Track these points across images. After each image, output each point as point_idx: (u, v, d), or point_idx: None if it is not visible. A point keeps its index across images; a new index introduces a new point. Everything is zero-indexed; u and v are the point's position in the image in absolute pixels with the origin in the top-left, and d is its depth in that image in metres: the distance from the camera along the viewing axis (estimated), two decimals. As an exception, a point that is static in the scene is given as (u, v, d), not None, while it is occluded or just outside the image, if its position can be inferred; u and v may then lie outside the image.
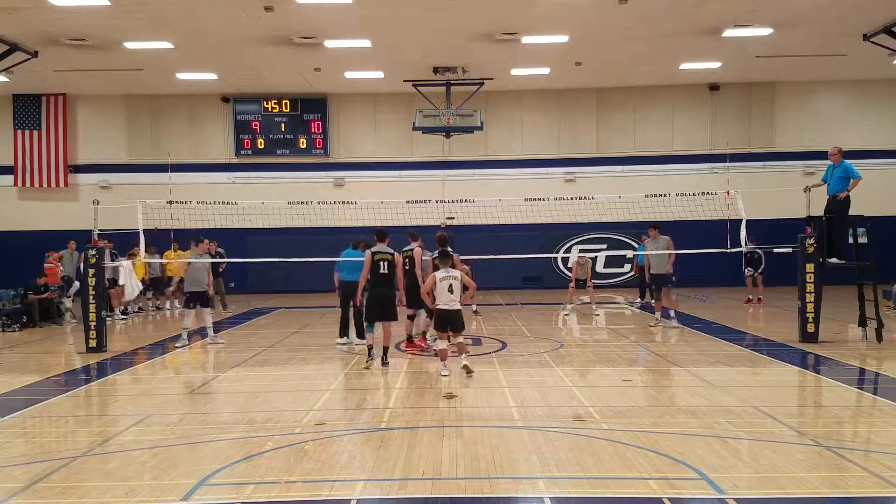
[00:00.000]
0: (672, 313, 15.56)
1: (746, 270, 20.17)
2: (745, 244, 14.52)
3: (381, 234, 11.67)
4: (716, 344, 13.38)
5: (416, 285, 11.76)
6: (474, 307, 17.81)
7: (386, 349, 11.44)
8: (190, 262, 14.16)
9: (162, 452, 7.06)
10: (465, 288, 11.01)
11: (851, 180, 12.96)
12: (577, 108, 26.03)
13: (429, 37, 19.08)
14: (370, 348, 11.42)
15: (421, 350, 12.72)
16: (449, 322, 10.54)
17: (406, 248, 12.70)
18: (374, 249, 11.40)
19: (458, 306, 10.61)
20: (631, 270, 25.21)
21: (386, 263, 11.31)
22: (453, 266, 10.98)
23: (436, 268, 10.90)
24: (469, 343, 11.86)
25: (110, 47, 19.66)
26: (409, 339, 13.01)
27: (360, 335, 12.99)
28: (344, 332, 13.78)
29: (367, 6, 16.77)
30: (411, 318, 12.99)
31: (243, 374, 11.32)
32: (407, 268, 12.31)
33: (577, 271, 18.87)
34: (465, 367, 10.51)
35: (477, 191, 23.73)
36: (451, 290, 10.48)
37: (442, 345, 10.69)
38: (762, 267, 20.16)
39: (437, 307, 10.64)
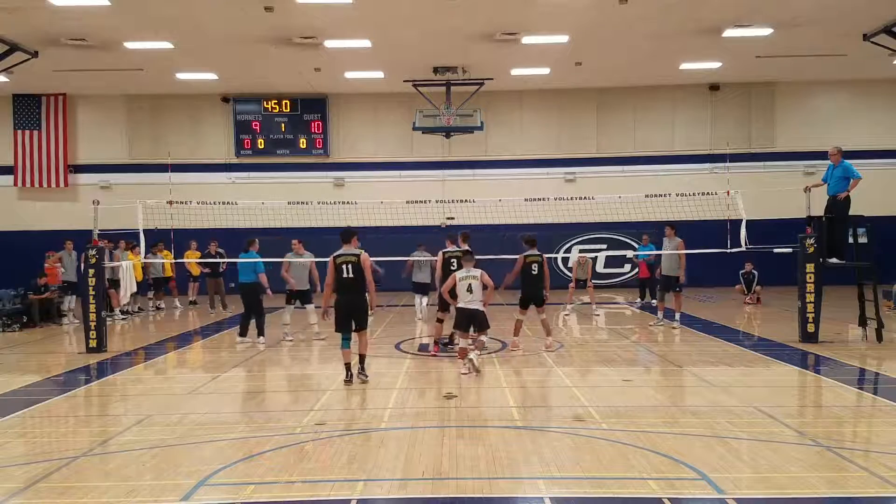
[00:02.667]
0: (677, 315, 15.55)
1: (744, 293, 20.52)
2: (746, 244, 14.53)
3: (345, 234, 10.35)
4: (716, 344, 13.39)
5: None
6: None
7: (363, 358, 10.28)
8: (290, 262, 14.63)
9: (162, 452, 7.06)
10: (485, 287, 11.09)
11: (851, 180, 12.96)
12: (577, 108, 26.02)
13: (429, 37, 19.07)
14: (347, 365, 10.19)
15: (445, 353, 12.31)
16: (471, 321, 10.83)
17: (447, 250, 12.89)
18: (336, 252, 10.19)
19: (479, 306, 10.86)
20: (631, 270, 25.26)
21: (350, 267, 10.05)
22: (475, 266, 11.19)
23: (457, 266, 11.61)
24: (470, 343, 11.80)
25: (110, 47, 19.66)
26: (437, 344, 12.69)
27: (260, 333, 14.16)
28: (244, 331, 14.22)
29: (367, 6, 16.76)
30: (441, 321, 12.64)
31: (243, 374, 11.32)
32: (454, 268, 12.24)
33: (577, 271, 18.87)
34: (472, 362, 10.60)
35: (477, 191, 23.73)
36: (469, 289, 10.78)
37: (463, 343, 10.91)
38: (756, 282, 20.30)
39: (458, 306, 10.96)
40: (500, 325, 16.22)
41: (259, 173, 25.96)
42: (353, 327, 10.14)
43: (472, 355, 10.70)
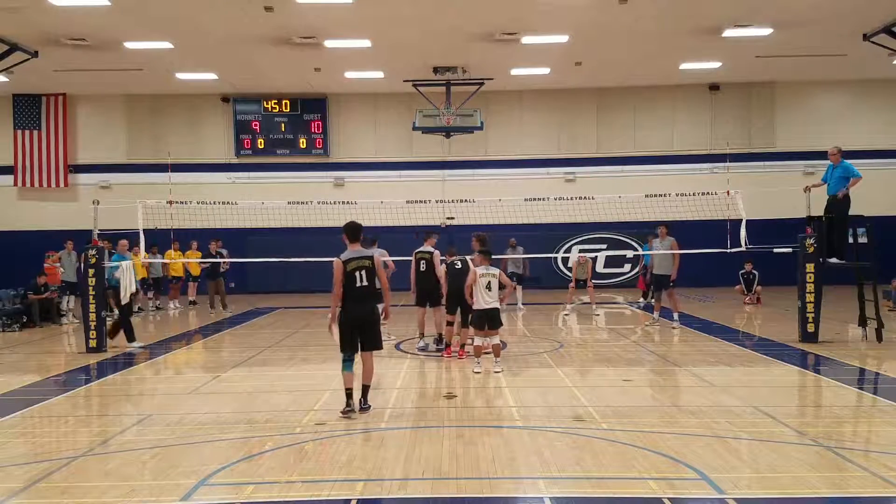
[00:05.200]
0: (675, 315, 15.56)
1: (743, 293, 20.55)
2: (746, 244, 14.53)
3: (353, 231, 8.58)
4: (716, 344, 13.39)
5: (457, 290, 11.55)
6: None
7: (366, 388, 8.61)
8: None
9: (162, 452, 7.06)
10: (501, 286, 11.21)
11: (851, 179, 12.96)
12: (577, 108, 26.02)
13: (429, 37, 19.08)
14: (349, 392, 8.42)
15: (459, 356, 11.99)
16: (487, 320, 10.89)
17: (421, 250, 12.89)
18: (345, 257, 8.38)
19: (496, 304, 10.91)
20: (631, 270, 25.32)
21: (364, 273, 8.34)
22: (493, 264, 11.27)
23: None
24: (470, 342, 11.85)
25: (110, 47, 19.67)
26: (448, 346, 12.37)
27: (129, 338, 13.81)
28: (130, 336, 13.94)
29: (367, 6, 16.77)
30: (451, 324, 12.34)
31: (243, 374, 11.31)
32: (457, 266, 12.04)
33: (577, 271, 18.87)
34: (497, 373, 10.72)
35: (477, 191, 23.71)
36: (489, 287, 10.83)
37: (478, 341, 11.03)
38: (756, 282, 20.31)
39: (475, 307, 10.94)
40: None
41: (259, 173, 25.97)
42: (360, 347, 8.51)
43: (496, 369, 10.79)
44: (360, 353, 8.53)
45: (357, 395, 8.53)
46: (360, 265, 8.34)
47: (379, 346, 8.67)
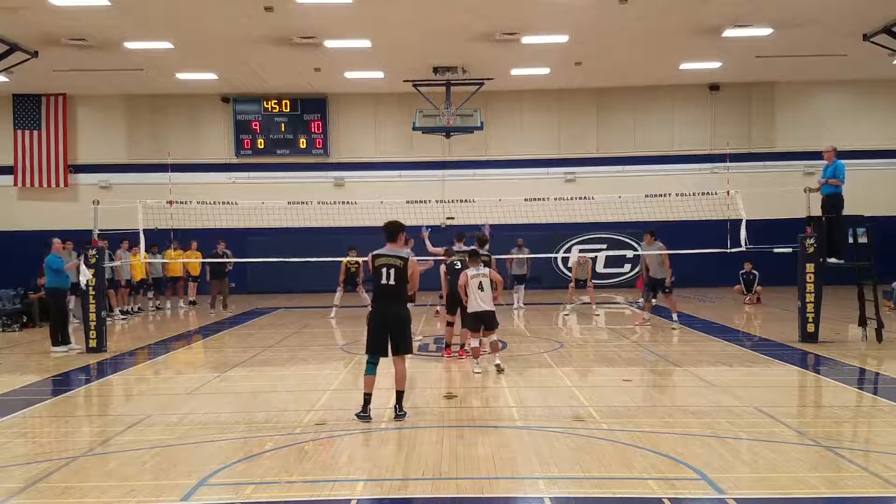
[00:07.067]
0: (674, 316, 15.57)
1: (742, 294, 20.61)
2: (745, 244, 14.53)
3: (389, 230, 8.43)
4: (716, 344, 13.39)
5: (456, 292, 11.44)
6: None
7: (400, 394, 8.33)
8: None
9: (162, 452, 7.06)
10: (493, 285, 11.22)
11: (834, 178, 13.00)
12: (577, 108, 26.02)
13: (429, 37, 19.07)
14: (367, 397, 8.20)
15: (459, 356, 11.93)
16: (482, 321, 10.96)
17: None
18: (376, 252, 8.38)
19: (490, 307, 10.96)
20: (631, 271, 25.34)
21: (392, 271, 8.16)
22: (484, 265, 11.30)
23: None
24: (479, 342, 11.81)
25: (110, 47, 19.66)
26: (448, 346, 12.28)
27: (58, 342, 13.48)
28: (57, 340, 13.60)
29: (367, 6, 16.77)
30: (451, 324, 12.26)
31: (243, 374, 11.31)
32: (457, 267, 11.96)
33: (578, 271, 18.87)
34: (497, 365, 10.85)
35: (477, 191, 23.66)
36: (481, 287, 10.90)
37: (475, 343, 11.06)
38: (756, 283, 20.32)
39: (469, 310, 11.01)
40: (499, 325, 16.21)
41: (259, 173, 25.96)
42: (390, 350, 8.25)
43: (497, 360, 10.92)
44: (390, 357, 8.27)
45: (383, 401, 8.55)
46: (389, 262, 8.21)
47: (409, 350, 8.38)
